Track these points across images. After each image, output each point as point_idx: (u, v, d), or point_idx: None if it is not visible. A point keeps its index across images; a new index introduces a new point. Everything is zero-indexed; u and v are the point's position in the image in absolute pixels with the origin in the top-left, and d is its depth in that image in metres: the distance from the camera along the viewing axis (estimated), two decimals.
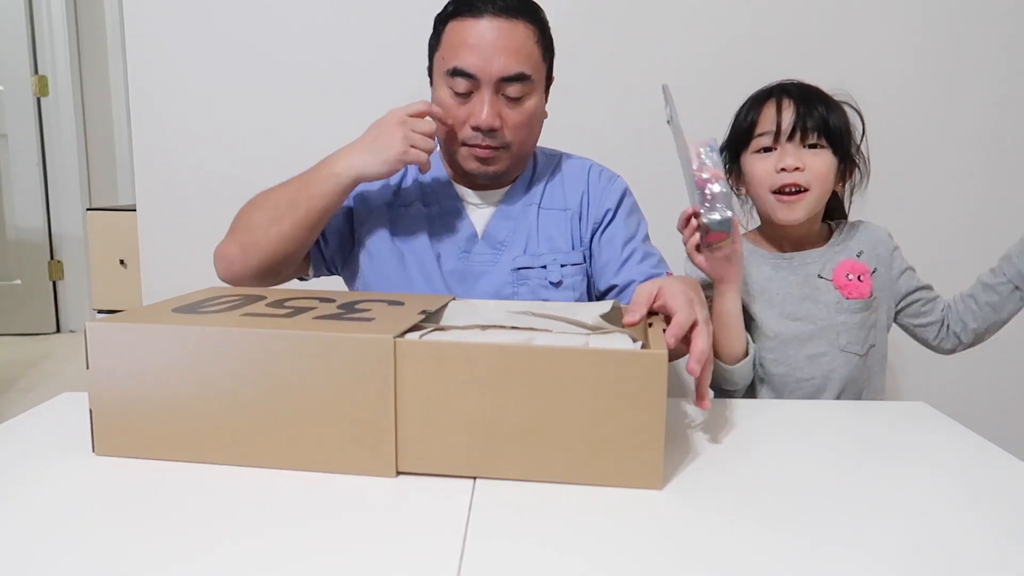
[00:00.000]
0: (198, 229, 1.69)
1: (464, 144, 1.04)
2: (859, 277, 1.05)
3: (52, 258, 3.44)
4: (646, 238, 1.13)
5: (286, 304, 0.77)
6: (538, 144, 1.16)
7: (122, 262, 1.92)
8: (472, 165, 1.05)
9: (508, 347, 0.64)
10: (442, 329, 0.75)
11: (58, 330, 3.49)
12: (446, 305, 0.85)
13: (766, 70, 1.64)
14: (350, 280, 1.15)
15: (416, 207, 1.10)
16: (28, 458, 0.69)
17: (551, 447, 0.65)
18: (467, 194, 1.11)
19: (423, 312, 0.75)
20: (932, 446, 0.77)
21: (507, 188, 1.12)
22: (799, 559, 0.53)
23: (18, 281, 3.40)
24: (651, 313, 0.77)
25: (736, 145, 1.09)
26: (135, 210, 1.70)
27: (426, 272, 1.07)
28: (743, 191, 1.11)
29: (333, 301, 0.80)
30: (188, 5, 1.62)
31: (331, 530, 0.56)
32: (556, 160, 1.17)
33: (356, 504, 0.61)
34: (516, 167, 1.09)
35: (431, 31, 1.06)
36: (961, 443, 0.78)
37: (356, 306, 0.77)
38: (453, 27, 1.01)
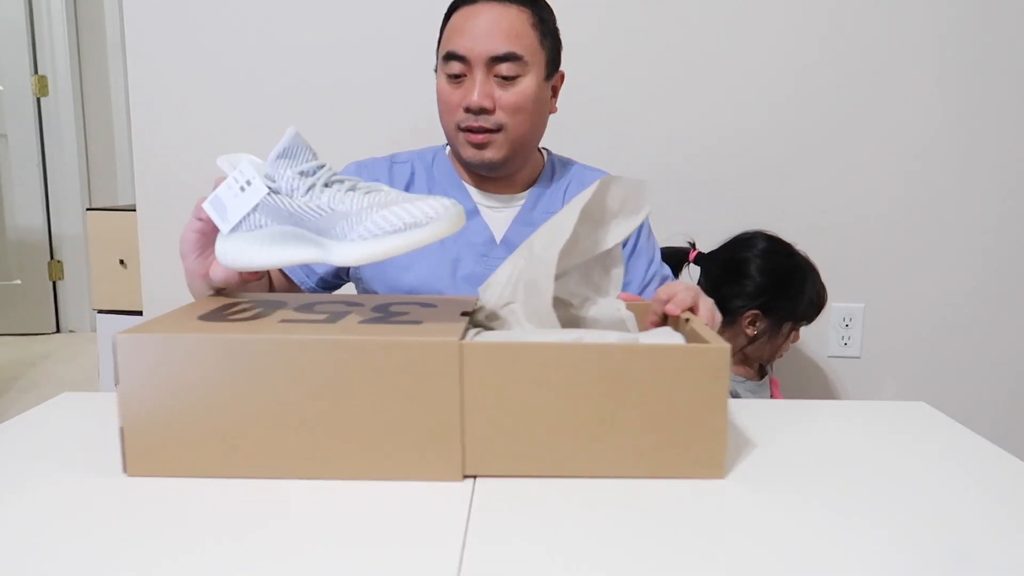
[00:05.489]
0: None
1: (459, 129, 1.04)
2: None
3: (52, 258, 3.45)
4: (660, 258, 1.17)
5: (316, 309, 0.75)
6: (554, 152, 1.17)
7: (122, 262, 1.92)
8: (468, 152, 1.04)
9: (575, 347, 0.64)
10: (489, 329, 0.76)
11: (58, 330, 3.49)
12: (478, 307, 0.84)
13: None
14: (356, 284, 1.14)
15: None
16: (30, 464, 0.69)
17: (616, 443, 0.66)
18: (481, 197, 1.10)
19: (464, 313, 0.75)
20: (932, 446, 0.77)
21: (525, 193, 1.11)
22: (794, 552, 0.53)
23: (18, 281, 3.41)
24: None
25: (793, 319, 1.41)
26: (135, 210, 1.70)
27: (438, 275, 1.06)
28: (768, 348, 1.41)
29: (362, 305, 0.78)
30: (188, 5, 1.62)
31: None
32: (573, 169, 1.17)
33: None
34: (515, 158, 1.06)
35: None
36: (961, 443, 0.78)
37: (390, 308, 0.76)
38: (453, 18, 1.04)
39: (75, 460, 0.69)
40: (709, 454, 0.66)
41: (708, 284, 1.42)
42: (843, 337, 1.72)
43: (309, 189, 0.69)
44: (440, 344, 0.63)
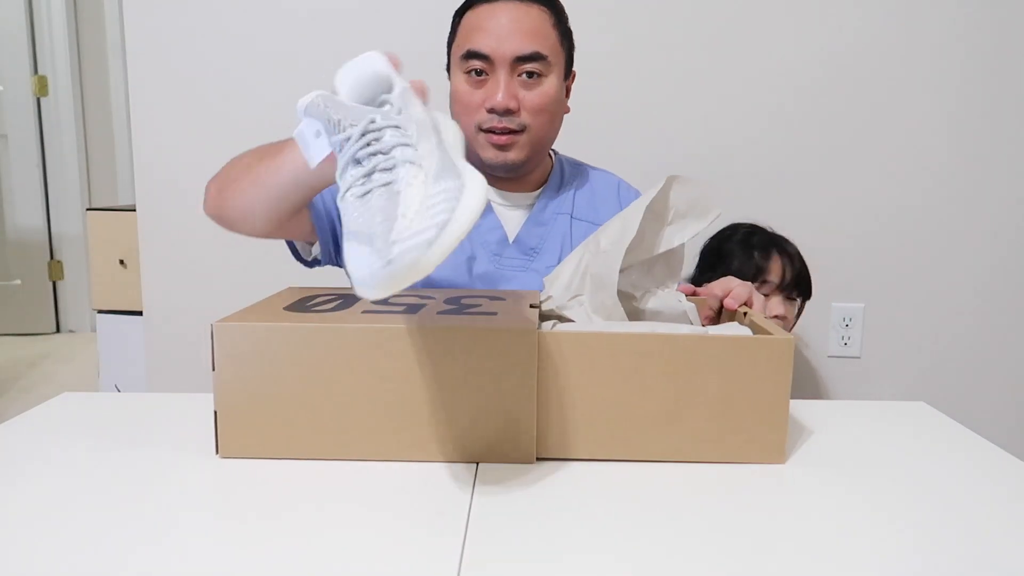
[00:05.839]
0: (198, 229, 1.69)
1: (480, 130, 1.02)
2: None
3: (52, 258, 3.45)
4: None
5: (391, 302, 0.78)
6: (562, 153, 1.17)
7: (122, 262, 1.92)
8: (489, 153, 1.02)
9: (647, 336, 0.67)
10: (563, 320, 0.78)
11: (58, 330, 3.49)
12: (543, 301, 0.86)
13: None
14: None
15: None
16: (32, 454, 0.70)
17: (683, 429, 0.69)
18: (493, 194, 1.09)
19: (532, 306, 0.76)
20: (932, 446, 0.77)
21: (537, 192, 1.11)
22: (795, 550, 0.53)
23: (18, 281, 3.41)
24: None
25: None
26: (135, 210, 1.70)
27: (457, 272, 1.05)
28: None
29: (434, 298, 0.81)
30: (188, 6, 1.62)
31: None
32: (582, 171, 1.16)
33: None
34: (534, 158, 1.06)
35: (448, 30, 1.06)
36: (961, 443, 0.78)
37: (462, 301, 0.79)
38: (469, 16, 1.03)
39: (75, 460, 0.69)
40: (771, 440, 0.69)
41: (699, 274, 1.45)
42: (843, 337, 1.72)
43: (344, 168, 0.63)
44: (519, 331, 0.66)
